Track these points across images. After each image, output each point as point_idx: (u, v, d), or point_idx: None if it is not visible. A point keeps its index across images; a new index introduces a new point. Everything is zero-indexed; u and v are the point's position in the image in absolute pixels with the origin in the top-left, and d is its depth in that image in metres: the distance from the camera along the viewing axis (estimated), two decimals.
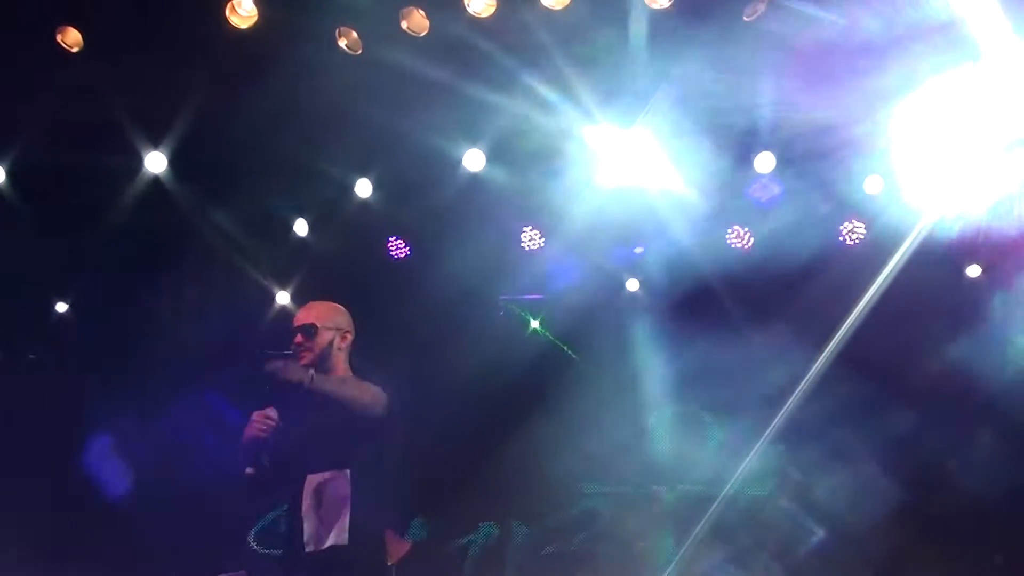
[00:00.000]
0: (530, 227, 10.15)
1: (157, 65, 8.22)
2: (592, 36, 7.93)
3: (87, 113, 8.52)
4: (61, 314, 10.78)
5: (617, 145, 8.78)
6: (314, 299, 5.74)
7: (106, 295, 10.41)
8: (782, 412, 8.98)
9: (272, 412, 5.32)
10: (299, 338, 5.50)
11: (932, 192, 8.45)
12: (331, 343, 5.57)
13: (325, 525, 5.27)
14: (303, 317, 5.61)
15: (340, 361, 5.58)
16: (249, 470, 5.32)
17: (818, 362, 8.79)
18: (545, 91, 8.39)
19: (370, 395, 5.32)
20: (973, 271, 9.96)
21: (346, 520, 5.24)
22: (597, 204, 9.32)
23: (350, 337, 5.64)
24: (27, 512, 9.28)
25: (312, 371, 5.25)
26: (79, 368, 10.28)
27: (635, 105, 8.51)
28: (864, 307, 8.63)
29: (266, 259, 10.55)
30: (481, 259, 10.02)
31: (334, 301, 5.85)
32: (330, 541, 5.23)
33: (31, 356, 10.58)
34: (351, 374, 5.58)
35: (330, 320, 5.62)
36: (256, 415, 5.28)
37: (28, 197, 9.51)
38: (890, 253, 8.62)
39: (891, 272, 8.60)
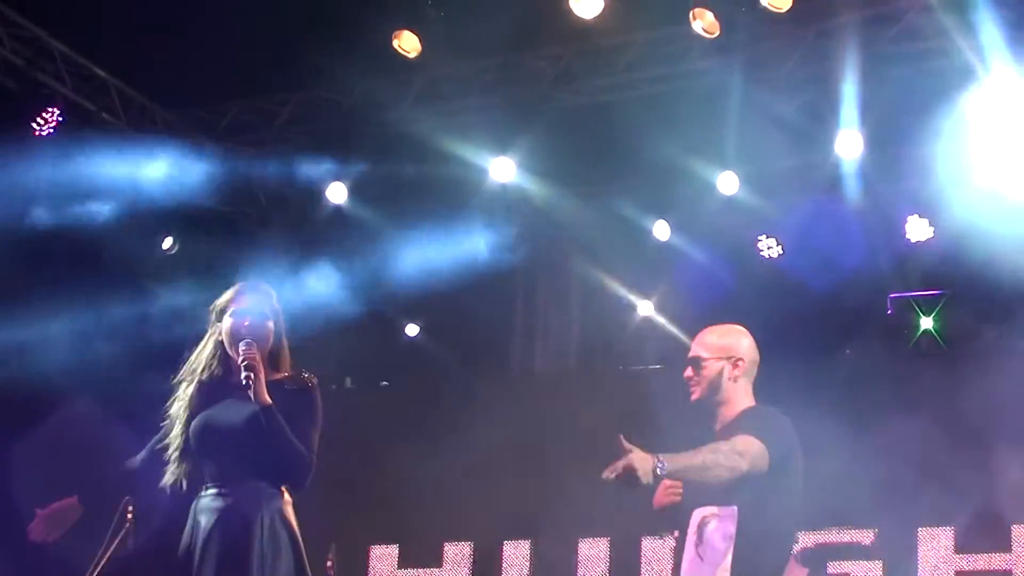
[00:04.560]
0: (916, 215, 9.85)
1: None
2: None
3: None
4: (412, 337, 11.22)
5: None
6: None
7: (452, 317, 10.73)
8: None
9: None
10: (689, 371, 5.55)
11: None
12: (720, 373, 5.52)
13: (706, 563, 5.34)
14: (693, 348, 5.65)
15: (734, 392, 5.51)
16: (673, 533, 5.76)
17: None
18: None
19: (743, 462, 5.13)
20: None
21: (728, 561, 5.29)
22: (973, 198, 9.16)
23: (743, 364, 5.53)
24: None
25: (661, 463, 4.92)
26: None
27: None
28: None
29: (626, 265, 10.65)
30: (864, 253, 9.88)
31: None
32: None
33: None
34: (752, 404, 5.50)
35: (719, 349, 5.59)
36: (663, 485, 5.39)
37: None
38: None
39: None
